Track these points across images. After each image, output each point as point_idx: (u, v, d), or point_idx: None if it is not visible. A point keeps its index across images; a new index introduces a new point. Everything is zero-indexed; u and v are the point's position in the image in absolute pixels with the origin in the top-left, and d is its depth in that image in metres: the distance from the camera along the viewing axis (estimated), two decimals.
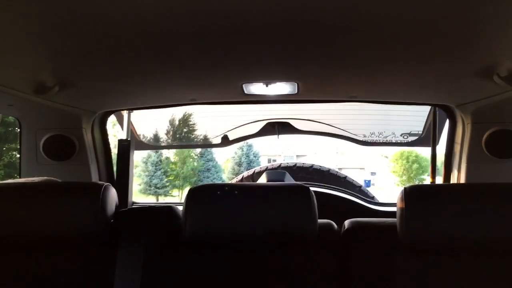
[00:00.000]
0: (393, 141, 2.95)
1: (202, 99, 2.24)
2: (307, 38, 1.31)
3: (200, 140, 3.22)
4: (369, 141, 2.94)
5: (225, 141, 2.94)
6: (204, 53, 1.45)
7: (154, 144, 3.18)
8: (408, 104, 2.38)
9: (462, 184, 2.14)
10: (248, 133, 2.93)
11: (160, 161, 24.13)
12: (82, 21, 1.15)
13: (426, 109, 2.67)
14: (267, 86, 1.88)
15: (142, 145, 3.01)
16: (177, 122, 3.10)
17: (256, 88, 1.93)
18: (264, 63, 1.61)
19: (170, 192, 23.89)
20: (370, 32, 1.26)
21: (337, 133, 2.93)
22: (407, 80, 1.83)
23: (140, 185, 22.81)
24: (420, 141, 2.86)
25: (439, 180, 2.53)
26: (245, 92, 1.96)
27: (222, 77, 1.80)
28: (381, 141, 2.95)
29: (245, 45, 1.38)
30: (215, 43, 1.35)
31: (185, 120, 3.09)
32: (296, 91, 1.95)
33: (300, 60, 1.56)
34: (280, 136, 2.90)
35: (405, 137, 2.90)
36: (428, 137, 2.62)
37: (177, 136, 3.18)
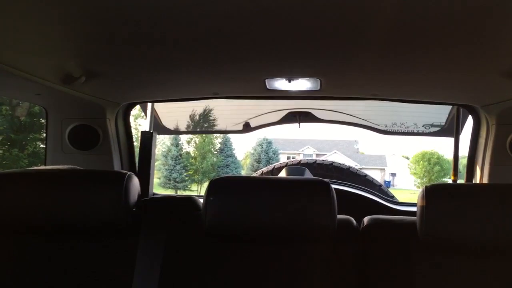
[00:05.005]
0: (415, 131, 2.87)
1: (224, 93, 2.26)
2: (331, 35, 1.32)
3: (222, 127, 3.18)
4: (390, 130, 2.87)
5: (246, 128, 2.91)
6: (228, 47, 1.46)
7: (177, 130, 3.17)
8: (431, 103, 2.35)
9: (484, 184, 2.12)
10: (270, 121, 2.89)
11: (180, 155, 24.34)
12: (110, 12, 1.17)
13: None
14: (289, 82, 1.89)
15: (165, 130, 3.01)
16: (200, 110, 3.09)
17: (279, 84, 1.93)
18: (288, 59, 1.61)
19: (189, 186, 24.10)
20: (394, 31, 1.26)
21: (358, 122, 2.86)
22: (431, 79, 1.81)
23: (159, 178, 23.06)
24: (442, 132, 2.75)
25: (461, 181, 2.49)
26: (268, 87, 1.96)
27: (245, 72, 1.81)
28: (402, 131, 2.88)
29: (269, 41, 1.39)
30: (239, 38, 1.36)
31: (207, 108, 3.08)
32: (318, 87, 1.95)
33: (324, 57, 1.56)
34: (300, 127, 2.86)
35: (427, 127, 2.82)
36: (450, 128, 2.55)
37: (200, 122, 3.17)
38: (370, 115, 2.83)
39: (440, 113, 2.70)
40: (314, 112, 2.76)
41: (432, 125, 2.79)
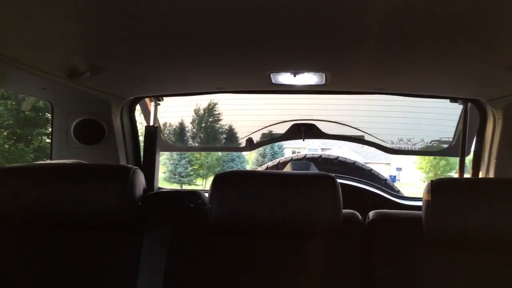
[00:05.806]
0: (422, 150, 2.86)
1: (229, 88, 2.26)
2: (336, 29, 1.31)
3: (224, 143, 3.20)
4: (396, 148, 2.83)
5: (250, 145, 2.87)
6: (233, 41, 1.46)
7: (179, 146, 3.19)
8: (436, 97, 2.34)
9: (489, 178, 2.11)
10: (273, 136, 2.88)
11: None
12: (115, 7, 1.17)
13: (456, 113, 2.57)
14: (294, 76, 1.88)
15: (167, 146, 3.02)
16: (202, 125, 3.11)
17: (284, 78, 1.93)
18: (293, 53, 1.61)
19: (194, 181, 24.08)
20: (399, 25, 1.25)
21: (364, 139, 2.83)
22: (437, 73, 1.80)
23: (164, 173, 23.06)
24: (450, 150, 2.71)
25: (467, 176, 2.49)
26: (273, 81, 1.96)
27: (250, 66, 1.81)
28: (409, 149, 2.84)
29: (274, 35, 1.38)
30: (244, 32, 1.36)
31: (210, 120, 3.10)
32: (323, 82, 1.95)
33: (329, 50, 1.55)
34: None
35: (435, 144, 2.79)
36: (458, 146, 2.51)
37: (201, 139, 3.19)
38: (377, 129, 2.81)
39: (447, 125, 2.67)
40: (318, 125, 2.72)
41: (440, 141, 2.76)
